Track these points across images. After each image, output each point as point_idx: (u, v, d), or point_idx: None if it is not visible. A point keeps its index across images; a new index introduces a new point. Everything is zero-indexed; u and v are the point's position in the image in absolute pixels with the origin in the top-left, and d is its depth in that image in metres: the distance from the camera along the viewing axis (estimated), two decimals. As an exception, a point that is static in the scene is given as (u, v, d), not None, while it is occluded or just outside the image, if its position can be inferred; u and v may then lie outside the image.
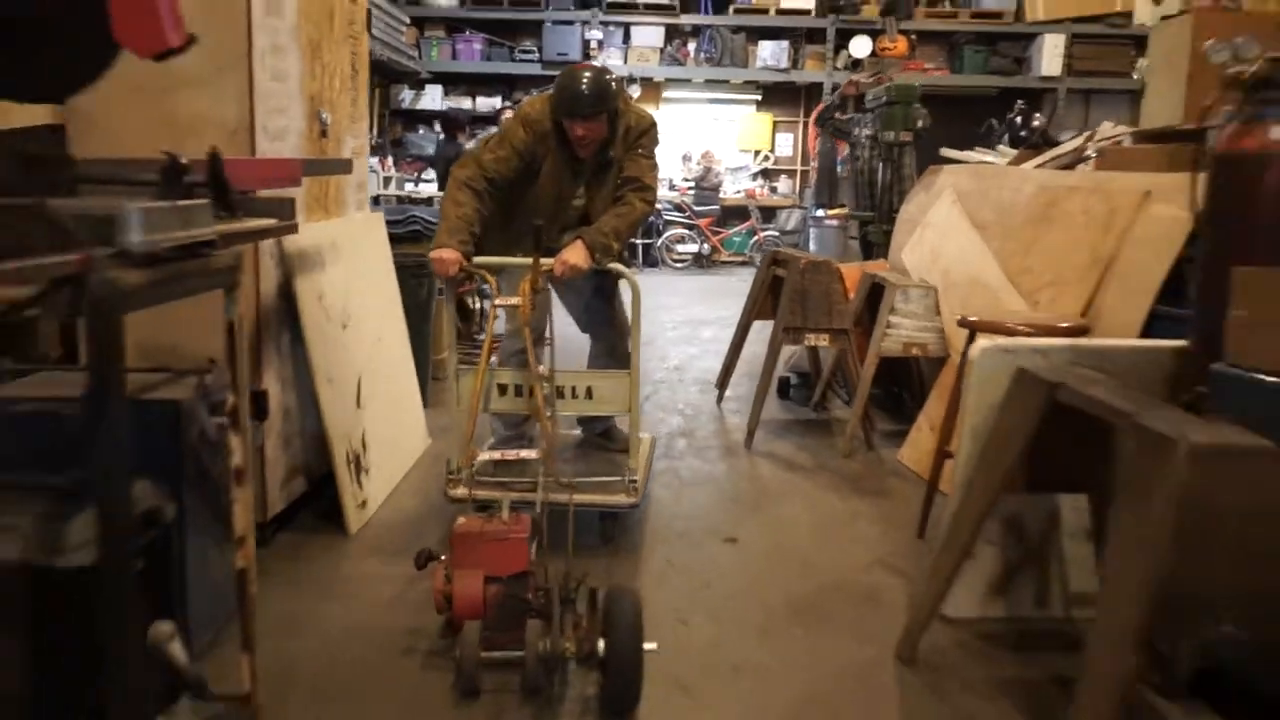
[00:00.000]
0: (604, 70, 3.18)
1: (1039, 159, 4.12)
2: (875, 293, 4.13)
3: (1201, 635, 1.58)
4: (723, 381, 4.73)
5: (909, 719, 2.10)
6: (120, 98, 2.41)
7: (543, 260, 2.79)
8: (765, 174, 11.84)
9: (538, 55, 10.58)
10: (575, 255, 2.89)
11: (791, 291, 3.98)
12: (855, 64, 10.48)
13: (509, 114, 7.13)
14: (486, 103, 10.87)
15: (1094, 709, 1.61)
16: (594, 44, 10.53)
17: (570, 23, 10.52)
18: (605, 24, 10.63)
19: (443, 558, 2.41)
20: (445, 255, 2.82)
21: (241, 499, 1.74)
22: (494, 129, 7.77)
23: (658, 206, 8.08)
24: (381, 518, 3.10)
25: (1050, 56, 10.41)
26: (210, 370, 2.18)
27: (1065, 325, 2.86)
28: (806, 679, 2.23)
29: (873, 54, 10.47)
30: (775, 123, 11.76)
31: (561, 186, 3.14)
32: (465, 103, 10.93)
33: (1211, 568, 1.52)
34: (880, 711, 2.11)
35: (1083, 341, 2.45)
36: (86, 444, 1.40)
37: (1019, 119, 5.07)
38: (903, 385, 4.60)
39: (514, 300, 2.81)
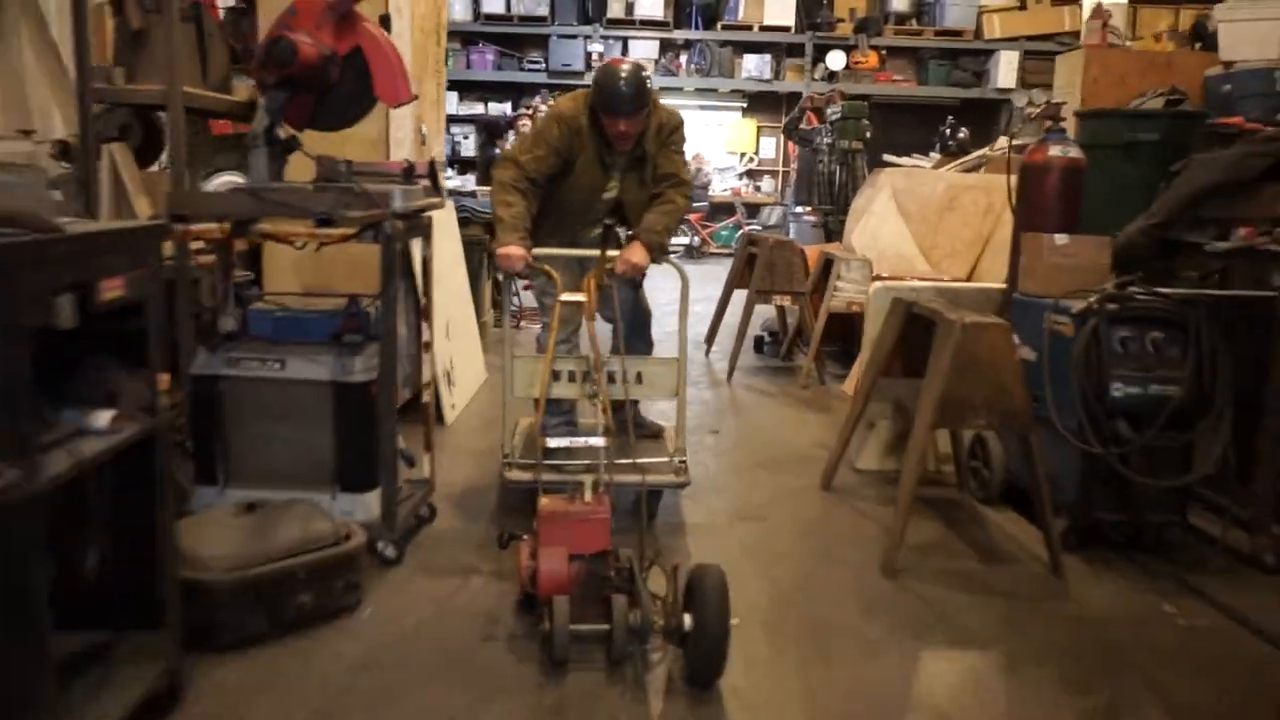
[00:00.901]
0: (640, 66, 3.32)
1: (952, 164, 5.44)
2: (828, 266, 5.44)
3: (968, 425, 2.90)
4: (710, 339, 6.04)
5: (823, 512, 3.40)
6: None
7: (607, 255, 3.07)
8: (750, 174, 13.17)
9: (544, 66, 11.88)
10: (638, 255, 3.12)
11: (763, 263, 5.28)
12: (831, 75, 11.80)
13: (534, 115, 8.30)
14: (497, 108, 12.16)
15: (912, 457, 2.91)
16: (595, 56, 11.82)
17: (574, 36, 11.82)
18: (606, 38, 11.92)
19: (524, 537, 2.65)
20: (512, 252, 3.04)
21: (427, 359, 3.05)
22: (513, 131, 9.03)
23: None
24: (463, 418, 4.39)
25: (1006, 70, 11.75)
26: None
27: (934, 277, 4.18)
28: (763, 492, 3.53)
29: (846, 67, 11.81)
30: (759, 128, 13.09)
31: (594, 180, 3.33)
32: (479, 108, 12.21)
33: (972, 388, 2.83)
34: (806, 507, 3.42)
35: (940, 283, 3.77)
36: (380, 319, 2.70)
37: (949, 131, 6.39)
38: (852, 343, 5.91)
39: (579, 296, 2.92)
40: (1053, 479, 2.91)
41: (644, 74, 3.25)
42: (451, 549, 2.98)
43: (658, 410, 3.81)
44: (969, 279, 4.44)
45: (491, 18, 11.83)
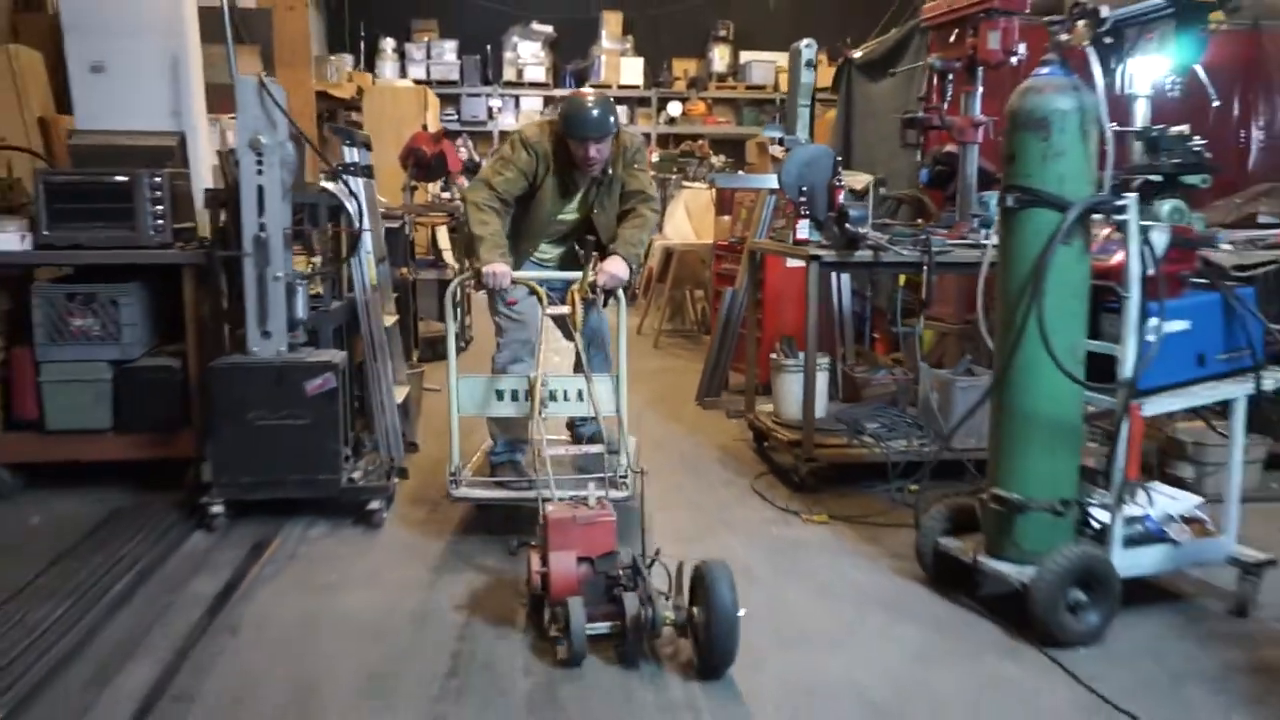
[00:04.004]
0: (605, 96, 3.76)
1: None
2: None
3: (685, 288, 7.70)
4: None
5: (696, 413, 8.04)
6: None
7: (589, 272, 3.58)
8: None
9: (457, 117, 16.43)
10: (618, 267, 3.58)
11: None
12: (671, 120, 16.69)
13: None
14: (420, 149, 16.67)
15: (665, 307, 7.68)
16: (495, 109, 16.42)
17: (478, 95, 16.41)
18: (503, 95, 16.55)
19: (532, 543, 3.02)
20: (498, 269, 3.52)
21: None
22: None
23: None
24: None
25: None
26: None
27: (691, 241, 9.00)
28: (659, 385, 8.25)
29: (683, 114, 16.71)
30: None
31: (555, 203, 3.80)
32: (405, 149, 16.68)
33: (685, 274, 7.60)
34: (685, 408, 8.10)
35: (688, 242, 8.60)
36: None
37: (702, 161, 11.23)
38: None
39: (564, 309, 3.46)
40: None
41: (610, 100, 3.70)
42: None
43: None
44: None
45: (418, 81, 16.32)
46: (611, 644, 2.85)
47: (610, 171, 3.86)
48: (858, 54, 7.45)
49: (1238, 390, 3.23)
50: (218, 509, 3.97)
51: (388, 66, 16.22)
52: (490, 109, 16.43)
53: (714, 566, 2.69)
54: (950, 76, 4.78)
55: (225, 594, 3.42)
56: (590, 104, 3.70)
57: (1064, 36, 3.21)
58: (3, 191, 5.32)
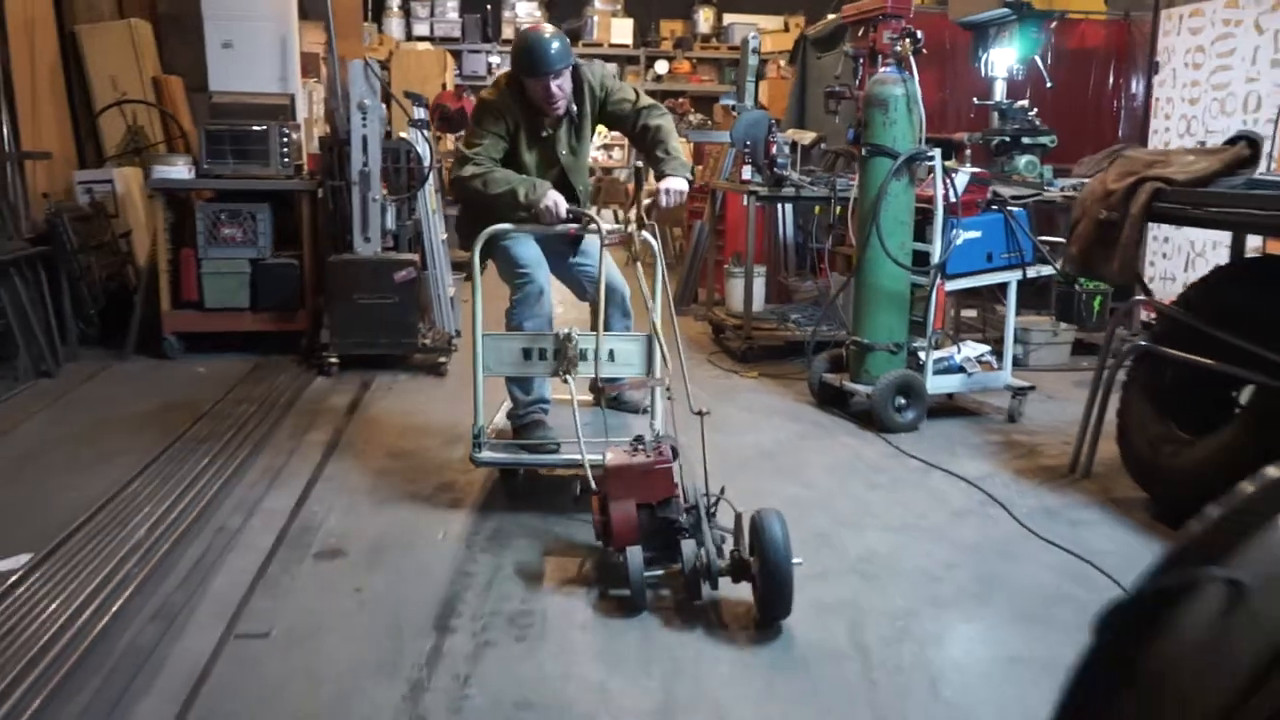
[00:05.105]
0: (555, 28, 3.66)
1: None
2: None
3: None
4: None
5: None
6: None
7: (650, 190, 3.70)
8: (605, 146, 19.75)
9: (459, 72, 18.11)
10: (676, 182, 3.61)
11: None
12: (658, 78, 18.45)
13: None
14: (426, 101, 18.43)
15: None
16: (494, 65, 18.11)
17: (478, 51, 18.09)
18: (501, 52, 18.23)
19: (594, 490, 3.03)
20: (556, 196, 3.53)
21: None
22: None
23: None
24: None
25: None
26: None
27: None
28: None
29: (669, 72, 18.46)
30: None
31: (531, 156, 3.75)
32: (412, 101, 18.43)
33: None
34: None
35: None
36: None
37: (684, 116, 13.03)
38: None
39: (614, 230, 3.50)
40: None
41: (561, 32, 3.58)
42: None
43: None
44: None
45: (419, 38, 18.00)
46: (671, 589, 3.02)
47: (576, 109, 3.80)
48: (810, 31, 9.28)
49: (1011, 277, 5.14)
50: (334, 360, 5.85)
51: (394, 24, 17.89)
52: (490, 65, 18.14)
53: (768, 515, 2.76)
54: (860, 60, 6.61)
55: (353, 406, 5.32)
56: (547, 35, 3.61)
57: (898, 48, 5.04)
58: (134, 134, 7.19)
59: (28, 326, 5.55)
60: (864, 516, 3.85)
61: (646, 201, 4.04)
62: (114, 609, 2.99)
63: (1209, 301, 3.70)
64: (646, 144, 3.85)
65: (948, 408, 5.28)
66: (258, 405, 5.21)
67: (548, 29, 3.68)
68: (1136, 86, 8.65)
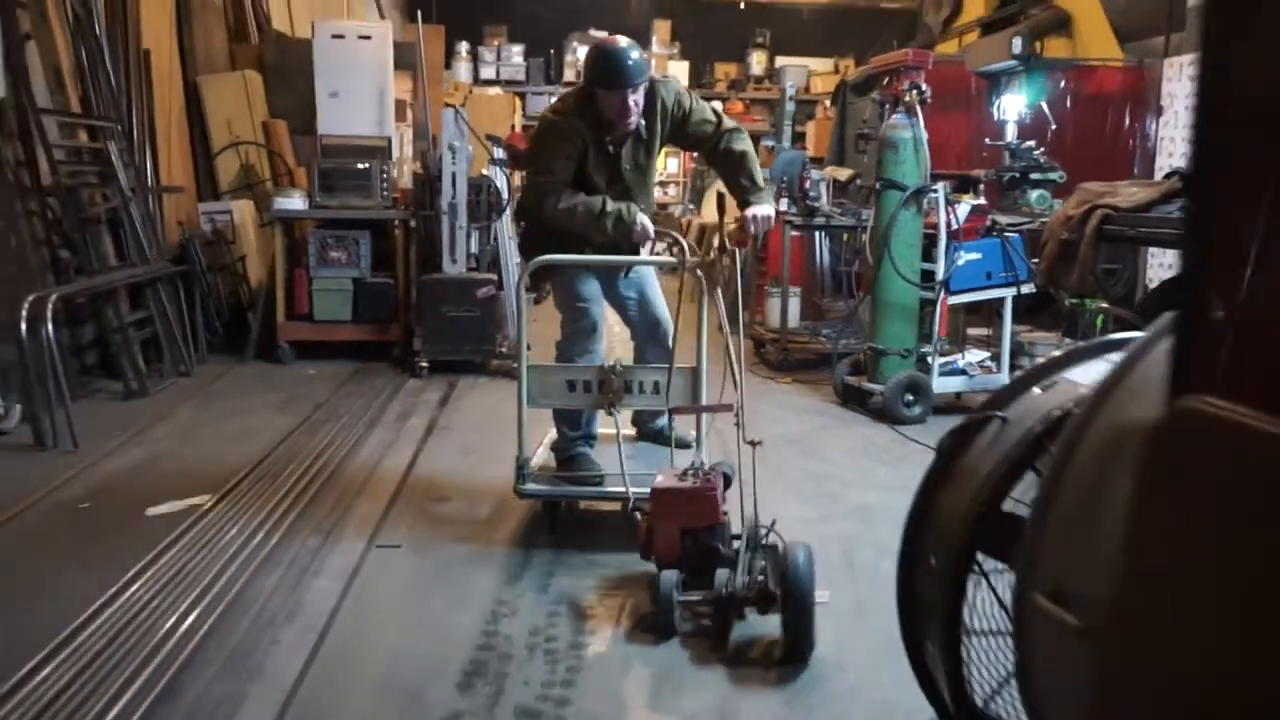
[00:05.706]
0: (632, 40, 3.59)
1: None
2: (702, 229, 13.02)
3: None
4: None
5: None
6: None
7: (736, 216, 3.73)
8: (660, 183, 20.88)
9: (523, 113, 19.36)
10: (764, 208, 3.58)
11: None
12: (712, 118, 19.58)
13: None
14: (491, 140, 19.71)
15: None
16: (557, 106, 19.36)
17: (540, 94, 19.34)
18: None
19: (645, 510, 3.12)
20: (645, 220, 3.59)
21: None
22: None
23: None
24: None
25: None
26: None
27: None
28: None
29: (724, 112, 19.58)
30: (666, 152, 20.82)
31: (610, 171, 3.70)
32: (478, 140, 19.72)
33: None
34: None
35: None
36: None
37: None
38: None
39: (694, 256, 3.50)
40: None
41: (638, 45, 3.54)
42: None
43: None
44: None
45: (486, 81, 19.31)
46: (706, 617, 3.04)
47: (645, 125, 3.72)
48: (850, 77, 10.25)
49: (1007, 293, 6.02)
50: (424, 365, 6.88)
51: (462, 67, 19.20)
52: (553, 106, 19.36)
53: (795, 548, 2.81)
54: (885, 106, 7.56)
55: (443, 401, 6.33)
56: (625, 47, 3.56)
57: (907, 98, 5.97)
58: (246, 171, 8.37)
59: (170, 333, 6.66)
60: (867, 481, 4.76)
61: (730, 227, 4.06)
62: (284, 527, 4.01)
63: (1161, 306, 4.57)
64: (730, 169, 3.85)
65: (955, 406, 6.15)
66: (364, 398, 6.25)
67: (624, 41, 3.63)
68: (1149, 127, 9.50)
